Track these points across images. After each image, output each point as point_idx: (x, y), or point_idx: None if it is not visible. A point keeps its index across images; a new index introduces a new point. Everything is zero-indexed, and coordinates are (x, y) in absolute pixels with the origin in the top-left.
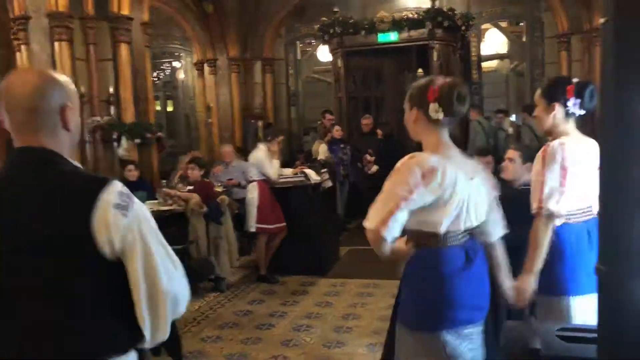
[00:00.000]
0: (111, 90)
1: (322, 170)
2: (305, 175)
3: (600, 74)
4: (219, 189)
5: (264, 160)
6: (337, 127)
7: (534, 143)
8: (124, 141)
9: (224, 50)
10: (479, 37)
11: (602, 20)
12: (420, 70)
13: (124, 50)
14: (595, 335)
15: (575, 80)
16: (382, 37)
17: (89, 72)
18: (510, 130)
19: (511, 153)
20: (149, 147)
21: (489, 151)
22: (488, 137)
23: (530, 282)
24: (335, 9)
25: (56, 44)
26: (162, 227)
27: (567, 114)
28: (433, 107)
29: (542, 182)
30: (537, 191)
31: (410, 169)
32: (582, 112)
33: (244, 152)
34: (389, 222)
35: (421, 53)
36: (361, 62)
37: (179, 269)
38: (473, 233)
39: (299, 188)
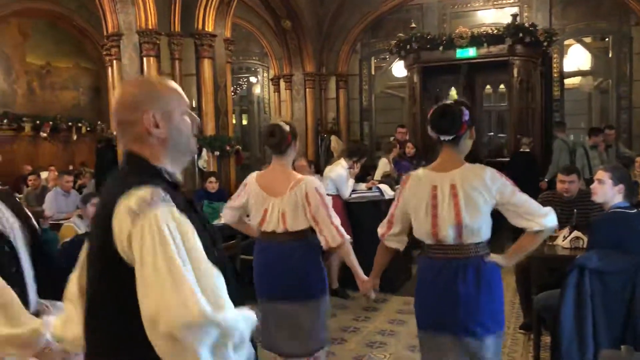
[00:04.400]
0: (194, 104)
1: (397, 187)
2: (380, 191)
3: None
4: None
5: (344, 178)
6: (409, 144)
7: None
8: (204, 153)
9: (300, 66)
10: (562, 53)
11: None
12: (501, 85)
13: (207, 65)
14: None
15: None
16: (460, 53)
17: None
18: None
19: (600, 174)
20: (227, 159)
21: (574, 169)
22: (571, 156)
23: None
24: (413, 25)
25: (145, 59)
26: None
27: (438, 140)
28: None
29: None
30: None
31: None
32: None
33: (316, 166)
34: None
35: (500, 69)
36: (437, 77)
37: (192, 295)
38: None
39: (372, 203)
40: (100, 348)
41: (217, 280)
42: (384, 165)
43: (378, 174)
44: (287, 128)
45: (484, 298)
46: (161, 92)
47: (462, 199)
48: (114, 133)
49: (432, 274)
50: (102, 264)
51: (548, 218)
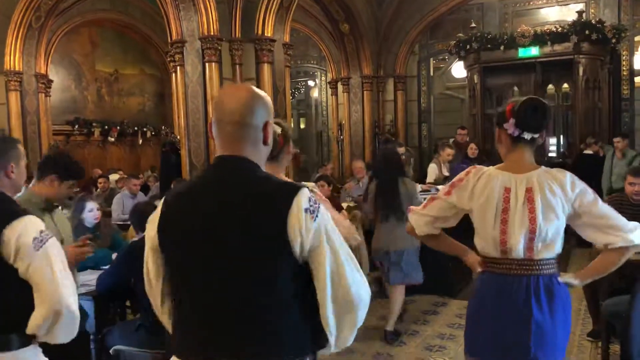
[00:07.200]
0: None
1: None
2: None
3: None
4: (351, 204)
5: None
6: (472, 145)
7: None
8: None
9: (357, 69)
10: (632, 50)
11: None
12: (565, 85)
13: (266, 70)
14: None
15: (515, 99)
16: (522, 52)
17: None
18: None
19: None
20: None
21: None
22: None
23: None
24: (473, 25)
25: (207, 65)
26: None
27: (513, 139)
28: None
29: None
30: None
31: None
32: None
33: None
34: None
35: (565, 68)
36: (498, 77)
37: (362, 275)
38: None
39: None
40: None
41: None
42: (432, 171)
43: (430, 179)
44: (278, 130)
45: (559, 324)
46: (270, 103)
47: (539, 204)
48: (177, 137)
49: (494, 293)
50: (267, 259)
51: (636, 233)
